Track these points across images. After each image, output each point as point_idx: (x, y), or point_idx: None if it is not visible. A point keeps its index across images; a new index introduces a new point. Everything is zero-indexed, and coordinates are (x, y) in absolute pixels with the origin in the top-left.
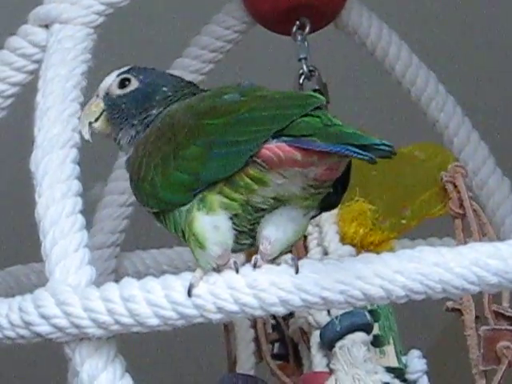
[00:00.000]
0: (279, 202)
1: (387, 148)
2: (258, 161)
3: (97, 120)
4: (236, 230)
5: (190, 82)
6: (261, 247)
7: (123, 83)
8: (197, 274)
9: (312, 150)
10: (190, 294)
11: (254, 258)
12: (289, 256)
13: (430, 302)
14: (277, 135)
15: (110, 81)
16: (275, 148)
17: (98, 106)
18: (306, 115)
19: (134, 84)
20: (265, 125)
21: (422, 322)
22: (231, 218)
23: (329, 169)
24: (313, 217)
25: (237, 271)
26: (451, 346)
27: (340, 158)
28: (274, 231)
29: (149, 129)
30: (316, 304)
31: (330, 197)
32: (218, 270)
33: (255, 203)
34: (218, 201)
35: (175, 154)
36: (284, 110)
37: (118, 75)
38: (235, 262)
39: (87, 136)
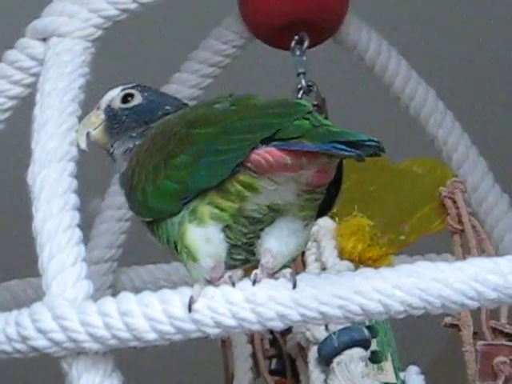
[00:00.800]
0: (275, 212)
1: (374, 144)
2: (248, 165)
3: (94, 130)
4: (230, 243)
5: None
6: (262, 260)
7: (126, 98)
8: (196, 289)
9: (300, 151)
10: (190, 309)
11: (253, 273)
12: (288, 271)
13: (428, 317)
14: (266, 141)
15: (114, 94)
16: (264, 152)
17: (98, 117)
18: (295, 120)
19: (138, 99)
20: (252, 133)
21: (420, 337)
22: (224, 231)
23: (320, 171)
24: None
25: (233, 285)
26: (449, 362)
27: (329, 157)
28: (277, 244)
29: (143, 139)
30: (314, 319)
31: (323, 201)
32: (211, 283)
33: (249, 212)
34: (208, 212)
35: (166, 163)
36: (272, 119)
37: (123, 90)
38: (230, 276)
39: (83, 145)
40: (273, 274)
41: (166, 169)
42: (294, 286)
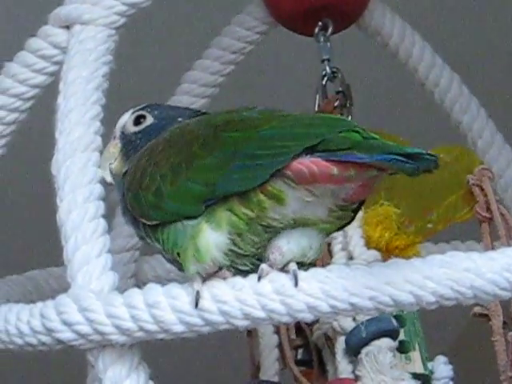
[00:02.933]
0: (298, 225)
1: (431, 158)
2: (288, 174)
3: (113, 163)
4: (237, 252)
5: (205, 112)
6: (271, 256)
7: (138, 120)
8: (199, 283)
9: (351, 162)
10: (197, 304)
11: (260, 268)
12: (291, 266)
13: (443, 307)
14: (310, 152)
15: (126, 119)
16: (309, 162)
17: (116, 146)
18: (340, 132)
19: (149, 120)
20: (295, 140)
21: (436, 325)
22: (234, 240)
23: (363, 185)
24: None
25: (259, 279)
26: (465, 351)
27: (379, 171)
28: (286, 242)
29: (153, 141)
30: (344, 310)
31: None
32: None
33: (269, 221)
34: (226, 218)
35: (188, 164)
36: (315, 129)
37: (133, 112)
38: (262, 269)
39: (109, 178)
40: (282, 268)
41: (188, 170)
42: (296, 284)
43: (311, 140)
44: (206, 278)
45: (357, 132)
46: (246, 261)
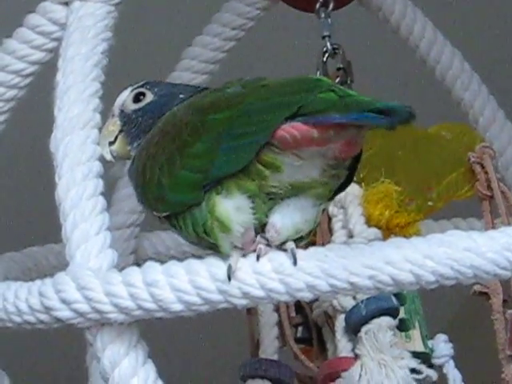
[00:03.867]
0: (296, 190)
1: (406, 110)
2: (273, 142)
3: (114, 142)
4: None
5: (206, 88)
6: (267, 235)
7: (138, 98)
8: (234, 257)
9: (328, 124)
10: (229, 278)
11: (258, 247)
12: (290, 244)
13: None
14: (291, 117)
15: (124, 97)
16: (289, 127)
17: (114, 124)
18: (319, 93)
19: (149, 97)
20: (274, 112)
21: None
22: (248, 204)
23: (348, 143)
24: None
25: (257, 258)
26: (462, 328)
27: (358, 128)
28: (280, 219)
29: (151, 132)
30: (344, 289)
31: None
32: (244, 249)
33: (270, 189)
34: (234, 185)
35: (181, 153)
36: (292, 96)
37: (132, 90)
38: (260, 249)
39: (109, 156)
40: (280, 246)
41: (181, 159)
42: (295, 263)
43: (290, 109)
44: (244, 253)
45: (333, 91)
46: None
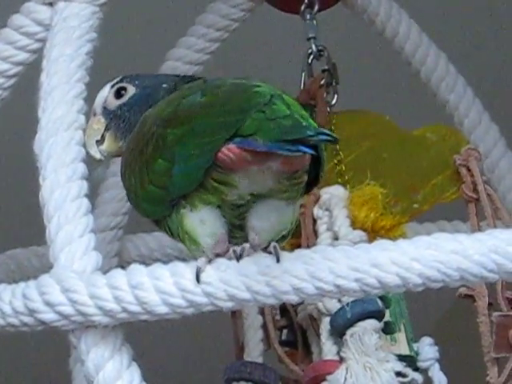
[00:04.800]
0: (259, 197)
1: (324, 138)
2: (216, 163)
3: (102, 141)
4: (227, 222)
5: (186, 76)
6: (249, 238)
7: (119, 93)
8: (203, 259)
9: (253, 149)
10: (198, 279)
11: (240, 247)
12: (272, 244)
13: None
14: (229, 138)
15: (105, 93)
16: (226, 150)
17: (98, 122)
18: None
19: (131, 90)
20: (215, 134)
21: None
22: (218, 210)
23: (285, 162)
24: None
25: (237, 260)
26: (449, 331)
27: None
28: (258, 222)
29: (132, 132)
30: (330, 292)
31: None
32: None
33: (232, 201)
34: (198, 198)
35: (147, 167)
36: (232, 116)
37: (112, 86)
38: (235, 251)
39: (98, 155)
40: (266, 249)
41: (148, 174)
42: (278, 260)
43: (228, 131)
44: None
45: (263, 112)
46: (236, 229)
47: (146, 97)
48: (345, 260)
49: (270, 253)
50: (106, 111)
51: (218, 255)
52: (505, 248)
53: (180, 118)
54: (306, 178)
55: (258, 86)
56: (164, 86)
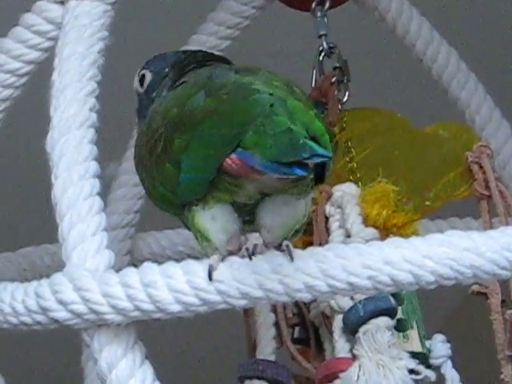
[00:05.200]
0: (268, 194)
1: (319, 159)
2: (223, 169)
3: None
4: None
5: (193, 54)
6: (261, 236)
7: (142, 80)
8: (215, 257)
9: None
10: (210, 277)
11: (253, 244)
12: (285, 243)
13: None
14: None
15: (136, 82)
16: (229, 161)
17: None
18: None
19: (148, 77)
20: (217, 148)
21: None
22: (227, 209)
23: (282, 179)
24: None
25: (250, 258)
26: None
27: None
28: (270, 219)
29: (142, 125)
30: (343, 290)
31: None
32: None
33: (243, 198)
34: (210, 197)
35: (157, 168)
36: (232, 129)
37: (138, 74)
38: (247, 249)
39: None
40: (278, 247)
41: (158, 175)
42: (292, 259)
43: (231, 145)
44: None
45: (262, 125)
46: (249, 226)
47: (157, 83)
48: (357, 257)
49: (282, 251)
50: (137, 98)
51: (230, 252)
52: None
53: (185, 123)
54: (311, 178)
55: (259, 92)
56: (165, 70)
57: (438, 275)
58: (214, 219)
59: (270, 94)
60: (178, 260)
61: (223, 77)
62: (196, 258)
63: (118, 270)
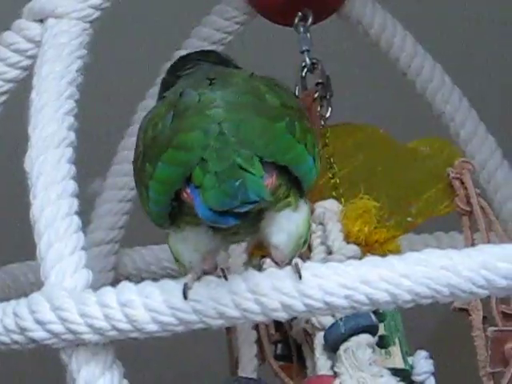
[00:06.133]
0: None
1: (251, 206)
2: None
3: None
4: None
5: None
6: (272, 255)
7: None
8: (190, 276)
9: None
10: (185, 296)
11: (262, 260)
12: (294, 261)
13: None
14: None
15: None
16: (184, 193)
17: None
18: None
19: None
20: (172, 184)
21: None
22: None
23: None
24: None
25: (225, 278)
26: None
27: None
28: (276, 237)
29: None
30: (320, 309)
31: None
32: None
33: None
34: (181, 221)
35: (138, 186)
36: (182, 166)
37: None
38: (223, 269)
39: None
40: (287, 264)
41: (140, 193)
42: (300, 277)
43: (181, 181)
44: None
45: (206, 161)
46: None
47: (160, 89)
48: (334, 277)
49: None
50: None
51: (206, 272)
52: (495, 263)
53: (153, 149)
54: (287, 189)
55: (211, 119)
56: (165, 76)
57: (414, 294)
58: (185, 240)
59: (221, 121)
60: (163, 276)
61: (190, 95)
62: (180, 273)
63: (100, 287)
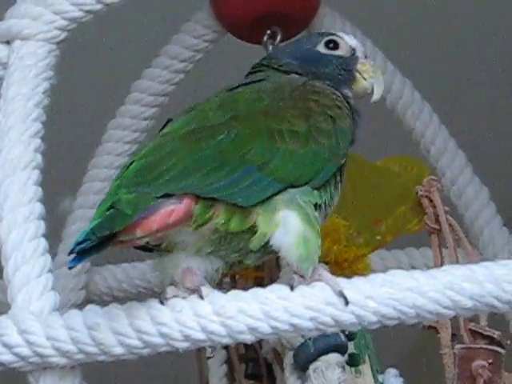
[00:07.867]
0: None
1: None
2: None
3: None
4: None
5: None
6: (287, 265)
7: None
8: (168, 290)
9: None
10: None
11: (290, 278)
12: (293, 278)
13: None
14: None
15: None
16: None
17: None
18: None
19: None
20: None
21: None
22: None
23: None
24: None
25: (201, 298)
26: (417, 364)
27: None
28: (281, 243)
29: None
30: (286, 331)
31: None
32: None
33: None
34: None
35: None
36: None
37: None
38: (197, 290)
39: None
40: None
41: None
42: (292, 289)
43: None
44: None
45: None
46: (230, 251)
47: None
48: (300, 299)
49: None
50: None
51: (190, 290)
52: (460, 284)
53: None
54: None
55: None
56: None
57: (380, 315)
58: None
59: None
60: (135, 294)
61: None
62: (153, 291)
63: (73, 305)
